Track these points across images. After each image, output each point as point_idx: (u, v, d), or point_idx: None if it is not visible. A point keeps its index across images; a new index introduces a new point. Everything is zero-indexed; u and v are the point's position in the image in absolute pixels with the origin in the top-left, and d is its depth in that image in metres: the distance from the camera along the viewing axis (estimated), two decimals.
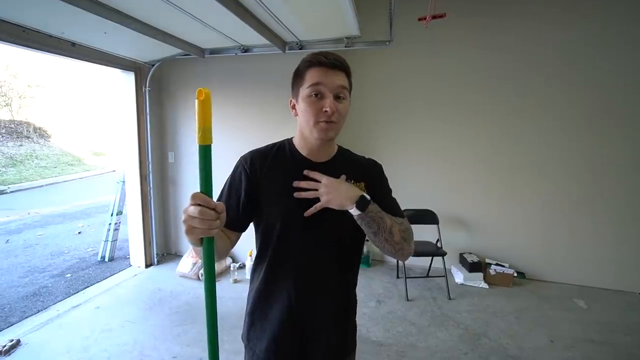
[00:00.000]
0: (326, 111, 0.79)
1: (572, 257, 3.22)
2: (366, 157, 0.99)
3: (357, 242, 0.95)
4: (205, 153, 0.58)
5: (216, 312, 0.67)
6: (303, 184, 0.83)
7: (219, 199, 0.88)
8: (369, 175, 0.93)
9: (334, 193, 0.80)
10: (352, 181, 0.89)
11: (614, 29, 2.90)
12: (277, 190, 0.86)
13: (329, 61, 0.80)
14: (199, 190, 0.61)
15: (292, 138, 0.94)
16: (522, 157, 3.25)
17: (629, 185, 3.03)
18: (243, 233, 0.92)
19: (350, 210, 0.79)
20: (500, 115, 3.25)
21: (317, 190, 0.81)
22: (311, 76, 0.81)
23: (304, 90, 0.82)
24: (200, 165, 0.58)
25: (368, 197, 0.81)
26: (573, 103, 3.07)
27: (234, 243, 0.89)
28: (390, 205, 0.92)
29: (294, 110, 0.89)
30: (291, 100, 0.89)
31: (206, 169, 0.58)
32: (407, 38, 3.10)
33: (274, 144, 0.94)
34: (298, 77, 0.85)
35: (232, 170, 0.91)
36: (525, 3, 3.05)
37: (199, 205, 0.59)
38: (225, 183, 0.91)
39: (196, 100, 0.54)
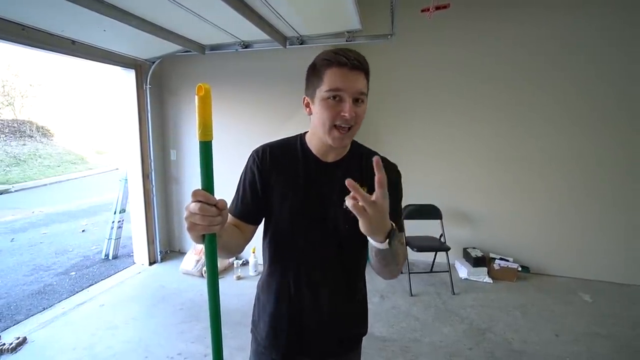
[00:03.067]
0: (344, 116, 0.75)
1: (577, 251, 3.20)
2: (387, 159, 0.92)
3: (359, 244, 0.92)
4: (206, 149, 0.57)
5: (219, 309, 0.66)
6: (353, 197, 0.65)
7: (236, 194, 0.90)
8: (371, 178, 0.87)
9: (379, 219, 0.65)
10: (358, 184, 0.86)
11: (627, 20, 2.85)
12: (284, 185, 0.86)
13: (351, 62, 0.75)
14: (200, 187, 0.60)
15: (305, 133, 0.92)
16: (527, 151, 3.21)
17: (635, 178, 2.99)
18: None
19: (375, 242, 0.69)
20: (506, 109, 3.22)
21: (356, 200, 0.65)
22: (331, 78, 0.76)
23: (322, 93, 0.77)
24: (201, 162, 0.57)
25: (396, 228, 0.70)
26: (581, 96, 3.03)
27: (248, 238, 0.89)
28: (393, 219, 0.87)
29: (307, 109, 0.84)
30: (305, 98, 0.84)
31: (207, 165, 0.58)
32: (410, 31, 3.06)
33: (287, 139, 0.92)
34: (315, 76, 0.79)
35: (244, 168, 0.91)
36: None
37: (200, 201, 0.58)
38: (240, 176, 0.91)
39: (196, 96, 0.53)
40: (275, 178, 0.86)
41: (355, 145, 0.93)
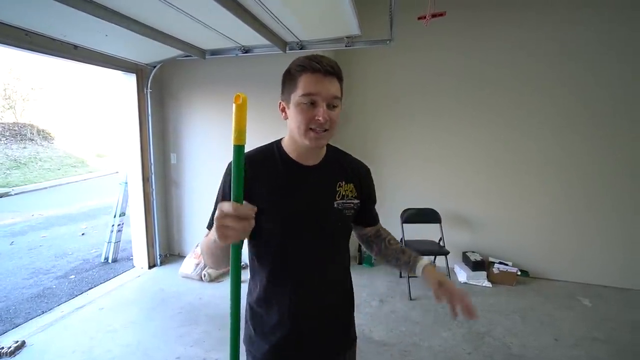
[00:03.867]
0: (319, 120, 0.78)
1: (576, 255, 3.21)
2: (355, 157, 1.01)
3: (348, 242, 0.98)
4: (239, 152, 0.62)
5: (239, 315, 0.71)
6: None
7: (214, 208, 0.87)
8: (359, 179, 0.96)
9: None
10: (343, 182, 0.91)
11: (623, 26, 2.88)
12: (269, 194, 0.85)
13: (324, 68, 0.78)
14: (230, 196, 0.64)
15: (281, 140, 0.92)
16: (526, 156, 3.23)
17: (634, 183, 3.00)
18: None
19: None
20: (504, 114, 3.24)
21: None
22: (305, 84, 0.78)
23: (297, 98, 0.79)
24: (234, 164, 0.62)
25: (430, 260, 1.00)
26: (580, 102, 3.04)
27: None
28: (374, 215, 1.06)
29: (283, 114, 0.87)
30: (280, 103, 0.87)
31: (239, 167, 0.63)
32: (409, 36, 3.08)
33: (263, 147, 0.92)
34: (290, 81, 0.82)
35: (222, 177, 0.89)
36: (525, 4, 3.03)
37: (234, 215, 0.61)
38: (219, 191, 0.89)
39: (234, 105, 0.59)
40: (257, 188, 0.84)
41: (330, 148, 0.95)
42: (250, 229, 0.63)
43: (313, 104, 0.79)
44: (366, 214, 1.01)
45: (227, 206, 0.61)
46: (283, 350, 0.89)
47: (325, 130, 0.80)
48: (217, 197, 0.89)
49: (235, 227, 0.61)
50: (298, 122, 0.80)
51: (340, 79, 0.83)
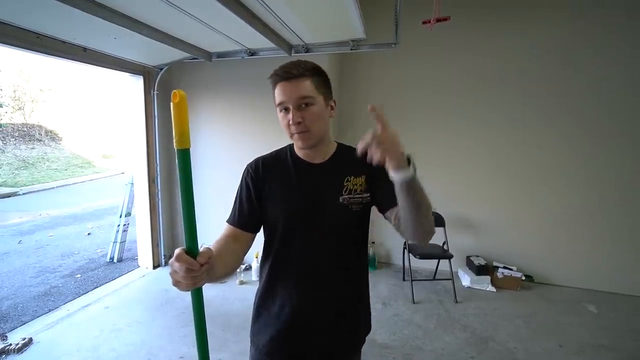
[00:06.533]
0: (291, 124, 0.84)
1: (582, 261, 3.17)
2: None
3: (359, 239, 0.97)
4: (184, 157, 0.56)
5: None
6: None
7: (234, 205, 0.95)
8: (368, 166, 0.88)
9: (394, 147, 0.71)
10: (352, 177, 0.91)
11: (616, 34, 2.87)
12: (278, 191, 0.92)
13: (284, 75, 0.83)
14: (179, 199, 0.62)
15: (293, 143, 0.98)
16: (530, 160, 3.21)
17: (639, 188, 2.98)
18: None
19: (403, 173, 0.72)
20: (508, 119, 3.23)
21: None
22: (276, 94, 0.85)
23: (276, 108, 0.88)
24: (179, 171, 0.56)
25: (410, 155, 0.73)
26: (589, 105, 3.02)
27: (245, 249, 0.91)
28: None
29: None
30: None
31: (186, 175, 0.57)
32: (413, 40, 3.10)
33: (277, 150, 1.00)
34: (273, 94, 0.89)
35: (241, 177, 0.97)
36: (530, 7, 3.03)
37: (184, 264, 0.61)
38: (238, 189, 0.97)
39: (171, 103, 0.53)
40: (269, 187, 0.92)
41: (341, 146, 0.98)
42: (202, 283, 0.64)
43: (286, 110, 0.85)
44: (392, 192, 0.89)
45: (177, 254, 0.61)
46: (283, 340, 0.92)
47: (305, 130, 0.84)
48: (236, 196, 0.96)
49: (184, 280, 0.61)
50: (283, 128, 0.88)
51: (309, 76, 0.83)
